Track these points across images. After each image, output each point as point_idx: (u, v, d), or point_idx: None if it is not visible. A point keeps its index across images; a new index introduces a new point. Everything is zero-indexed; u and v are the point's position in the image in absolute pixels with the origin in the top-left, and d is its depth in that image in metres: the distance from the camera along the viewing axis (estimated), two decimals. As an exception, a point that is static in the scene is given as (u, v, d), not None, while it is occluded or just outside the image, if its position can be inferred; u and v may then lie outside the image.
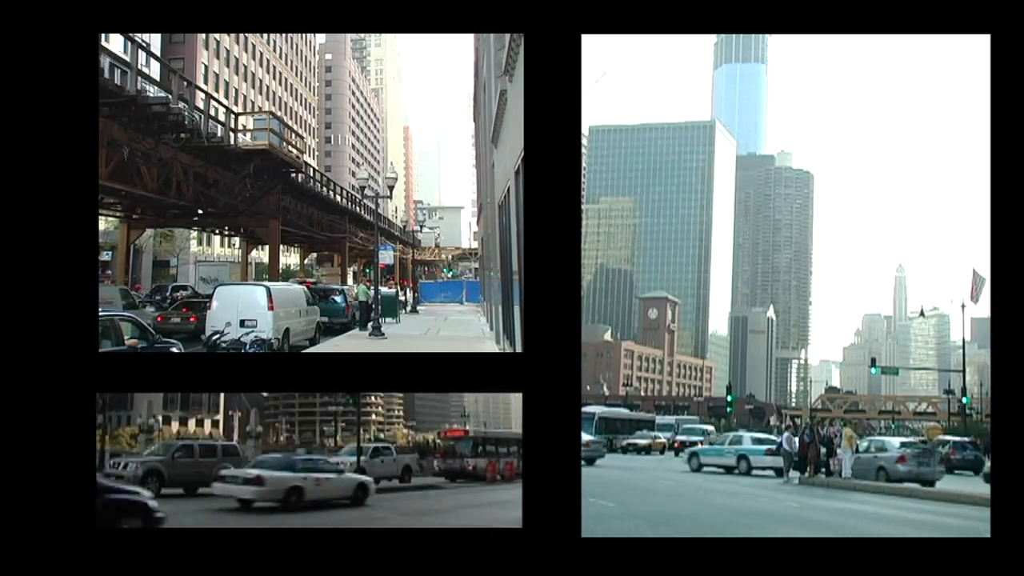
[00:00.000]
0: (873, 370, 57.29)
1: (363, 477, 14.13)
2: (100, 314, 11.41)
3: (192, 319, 23.29)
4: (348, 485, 13.44)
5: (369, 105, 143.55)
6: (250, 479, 12.03)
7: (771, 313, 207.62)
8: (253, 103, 77.28)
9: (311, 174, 43.56)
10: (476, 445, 20.75)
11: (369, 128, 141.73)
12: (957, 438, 31.23)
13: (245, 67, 78.01)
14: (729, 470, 22.01)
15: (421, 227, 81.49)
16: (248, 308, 18.36)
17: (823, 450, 20.42)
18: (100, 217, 31.00)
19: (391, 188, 30.81)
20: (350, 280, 52.57)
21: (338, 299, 27.99)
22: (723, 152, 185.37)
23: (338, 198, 47.75)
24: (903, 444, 21.19)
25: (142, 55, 22.33)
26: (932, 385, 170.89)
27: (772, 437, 24.83)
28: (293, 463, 13.32)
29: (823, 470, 20.23)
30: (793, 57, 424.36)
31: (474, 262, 68.86)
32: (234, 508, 11.97)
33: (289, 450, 29.35)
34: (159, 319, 23.92)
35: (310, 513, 12.07)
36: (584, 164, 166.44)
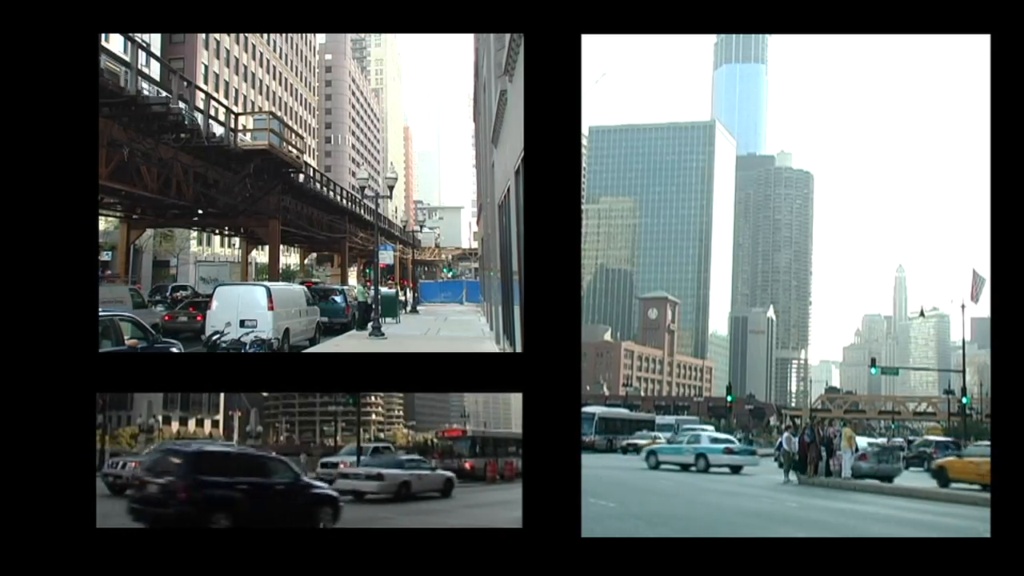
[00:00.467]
0: (873, 370, 57.24)
1: (448, 473, 16.07)
2: (100, 314, 11.41)
3: (199, 318, 23.54)
4: (440, 480, 15.58)
5: (369, 105, 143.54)
6: (372, 475, 14.12)
7: (771, 313, 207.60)
8: (253, 103, 77.28)
9: (311, 174, 43.56)
10: (474, 445, 20.74)
11: (369, 128, 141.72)
12: (940, 438, 35.23)
13: (245, 67, 78.01)
14: (686, 467, 22.57)
15: (421, 227, 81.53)
16: (248, 308, 18.37)
17: (823, 450, 20.43)
18: (100, 217, 30.99)
19: (391, 188, 30.81)
20: (352, 280, 52.55)
21: (338, 299, 28.01)
22: (723, 152, 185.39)
23: (338, 198, 47.73)
24: (869, 444, 21.95)
25: (142, 55, 22.33)
26: (932, 385, 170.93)
27: (730, 437, 25.55)
28: (401, 462, 15.54)
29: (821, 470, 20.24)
30: (793, 57, 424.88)
31: (474, 262, 68.87)
32: (349, 500, 13.24)
33: (289, 450, 29.41)
34: (167, 318, 24.31)
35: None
36: (584, 164, 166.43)
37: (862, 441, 22.50)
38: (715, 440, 23.70)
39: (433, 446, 23.29)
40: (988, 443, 25.49)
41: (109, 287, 22.82)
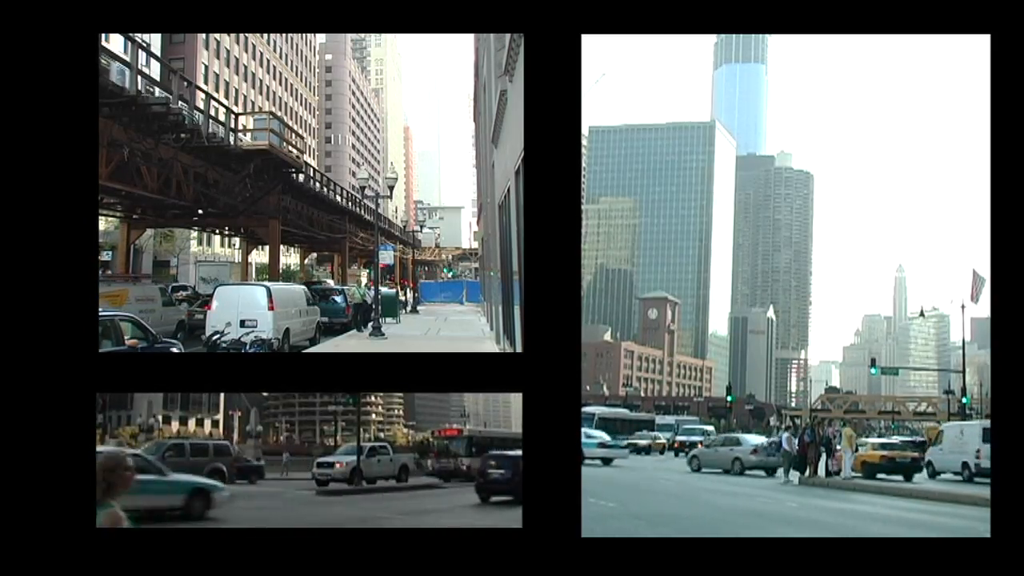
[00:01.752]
0: (873, 370, 57.25)
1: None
2: (100, 314, 11.42)
3: None
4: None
5: (369, 105, 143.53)
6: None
7: (771, 313, 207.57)
8: (253, 103, 77.28)
9: (311, 174, 43.51)
10: (470, 444, 20.71)
11: (369, 128, 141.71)
12: (912, 438, 36.64)
13: (245, 67, 78.02)
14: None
15: (421, 227, 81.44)
16: (248, 308, 18.38)
17: (823, 450, 20.45)
18: (100, 217, 30.99)
19: (391, 188, 30.82)
20: (364, 280, 52.47)
21: (338, 299, 28.02)
22: (723, 152, 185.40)
23: (338, 198, 47.71)
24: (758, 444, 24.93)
25: (142, 55, 22.32)
26: (932, 385, 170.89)
27: (604, 434, 28.76)
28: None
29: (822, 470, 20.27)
30: (793, 57, 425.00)
31: (474, 262, 68.85)
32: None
33: (288, 449, 29.46)
34: (188, 315, 24.97)
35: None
36: (584, 164, 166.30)
37: (750, 438, 26.04)
38: (589, 436, 26.60)
39: (430, 445, 23.28)
40: (873, 440, 27.81)
41: (141, 286, 23.61)
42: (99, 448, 6.53)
